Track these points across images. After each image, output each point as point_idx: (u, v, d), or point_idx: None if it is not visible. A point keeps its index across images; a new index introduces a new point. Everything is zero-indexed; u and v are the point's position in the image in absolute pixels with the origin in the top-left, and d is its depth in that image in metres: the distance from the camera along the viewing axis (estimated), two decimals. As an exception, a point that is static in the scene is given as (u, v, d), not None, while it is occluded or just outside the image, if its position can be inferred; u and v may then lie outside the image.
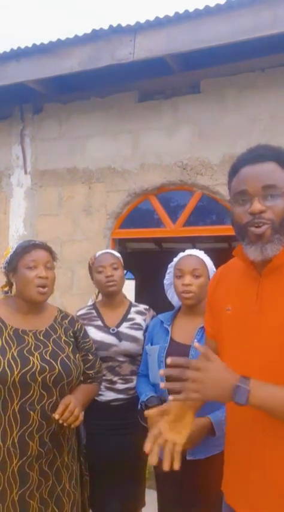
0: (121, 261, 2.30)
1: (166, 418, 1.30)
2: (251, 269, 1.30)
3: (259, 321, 1.24)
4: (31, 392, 1.62)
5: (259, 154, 1.23)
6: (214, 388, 1.10)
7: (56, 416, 1.59)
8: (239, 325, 1.30)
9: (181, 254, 2.05)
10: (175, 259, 2.05)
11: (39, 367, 1.64)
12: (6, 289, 1.86)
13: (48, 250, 1.81)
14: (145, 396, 1.96)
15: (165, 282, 2.14)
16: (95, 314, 2.26)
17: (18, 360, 1.63)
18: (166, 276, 2.13)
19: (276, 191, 1.18)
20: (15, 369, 1.60)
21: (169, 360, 1.15)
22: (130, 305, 2.31)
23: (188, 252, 2.05)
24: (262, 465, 1.22)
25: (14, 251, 1.78)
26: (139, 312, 2.27)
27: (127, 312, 2.26)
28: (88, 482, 1.93)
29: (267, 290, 1.25)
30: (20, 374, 1.60)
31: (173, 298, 2.13)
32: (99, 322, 2.21)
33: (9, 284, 1.82)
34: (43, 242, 1.84)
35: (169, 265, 2.09)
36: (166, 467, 1.24)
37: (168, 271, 2.12)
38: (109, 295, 2.25)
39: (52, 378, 1.65)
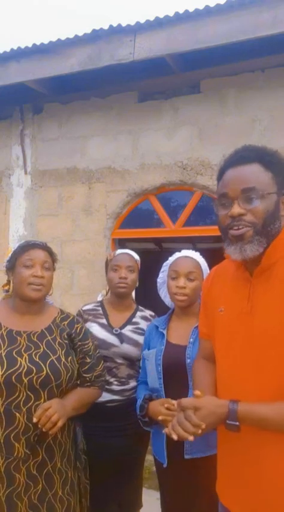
0: (139, 264, 2.29)
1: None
2: (243, 270, 1.32)
3: (250, 322, 1.25)
4: (17, 393, 1.60)
5: (242, 156, 1.26)
6: (211, 418, 1.20)
7: (34, 419, 1.56)
8: (231, 325, 1.31)
9: (177, 254, 2.02)
10: (171, 259, 2.03)
11: (25, 368, 1.62)
12: (7, 288, 1.86)
13: (47, 250, 1.80)
14: (138, 402, 1.95)
15: (158, 280, 2.12)
16: (101, 311, 2.25)
17: (5, 361, 1.61)
18: (160, 275, 2.10)
19: (256, 193, 1.19)
20: (0, 369, 1.59)
21: (166, 431, 1.26)
22: (137, 309, 2.30)
23: (184, 253, 2.02)
24: (256, 464, 1.22)
25: (14, 250, 1.80)
26: (144, 318, 2.27)
27: (133, 315, 2.26)
28: (88, 490, 1.87)
29: (258, 291, 1.27)
30: (5, 375, 1.59)
31: (165, 297, 2.12)
32: (104, 321, 2.21)
33: (10, 283, 1.83)
34: (43, 242, 1.84)
35: (164, 264, 2.07)
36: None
37: (162, 269, 2.09)
38: (118, 296, 2.25)
39: (39, 380, 1.62)
